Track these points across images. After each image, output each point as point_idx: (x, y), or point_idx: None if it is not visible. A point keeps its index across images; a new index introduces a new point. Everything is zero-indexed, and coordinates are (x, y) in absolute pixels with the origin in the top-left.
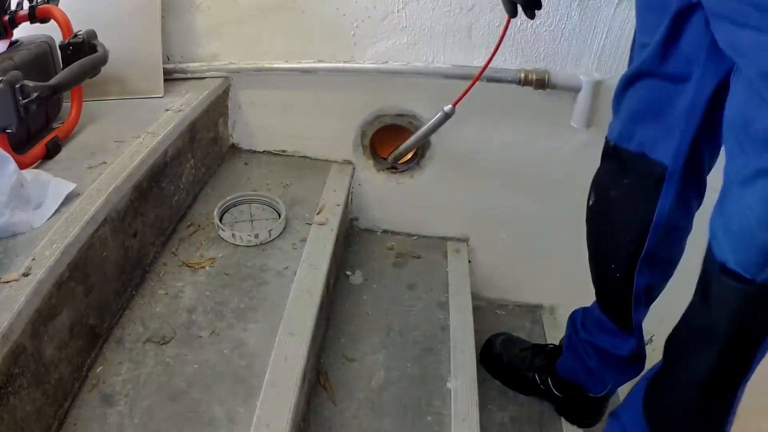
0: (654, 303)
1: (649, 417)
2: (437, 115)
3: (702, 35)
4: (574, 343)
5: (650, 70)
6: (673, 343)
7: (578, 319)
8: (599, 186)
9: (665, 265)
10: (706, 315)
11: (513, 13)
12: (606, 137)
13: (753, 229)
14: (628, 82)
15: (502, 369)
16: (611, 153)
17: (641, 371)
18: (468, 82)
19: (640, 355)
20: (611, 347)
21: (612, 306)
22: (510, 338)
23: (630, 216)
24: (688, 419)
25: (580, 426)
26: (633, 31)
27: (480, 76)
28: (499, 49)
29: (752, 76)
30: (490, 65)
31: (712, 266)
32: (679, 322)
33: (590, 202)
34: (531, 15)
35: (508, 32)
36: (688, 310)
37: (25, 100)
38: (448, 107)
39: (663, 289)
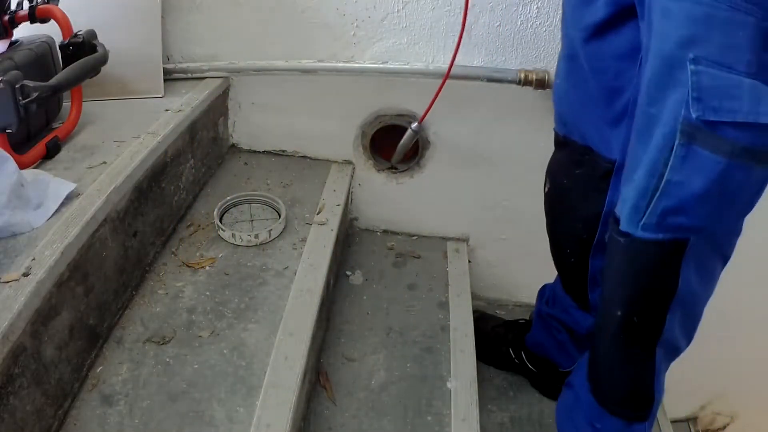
0: None
1: (589, 378)
2: (407, 134)
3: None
4: (543, 318)
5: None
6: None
7: (545, 294)
8: (553, 174)
9: None
10: (607, 272)
11: None
12: (554, 127)
13: (638, 183)
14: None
15: (477, 344)
16: (561, 143)
17: None
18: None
19: None
20: (574, 324)
21: (571, 286)
22: (484, 315)
23: (582, 206)
24: (612, 379)
25: (554, 399)
26: None
27: (444, 82)
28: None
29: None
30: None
31: (611, 221)
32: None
33: (546, 189)
34: None
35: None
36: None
37: (25, 100)
38: (415, 125)
39: None
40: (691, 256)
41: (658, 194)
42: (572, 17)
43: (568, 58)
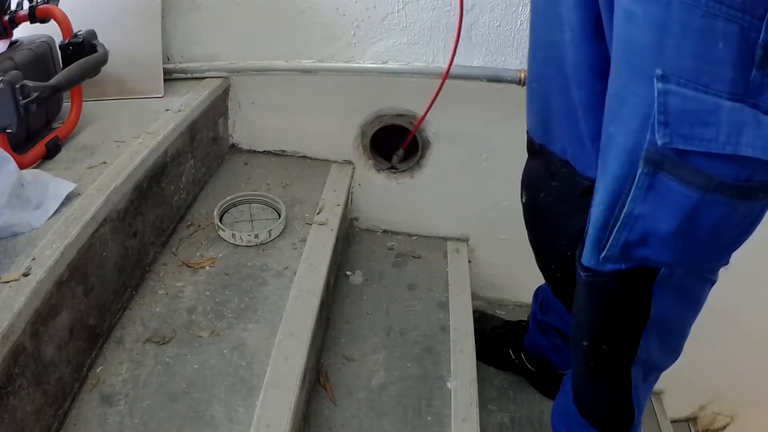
0: None
1: (572, 387)
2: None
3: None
4: (539, 321)
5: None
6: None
7: (539, 298)
8: (529, 186)
9: None
10: (574, 302)
11: None
12: (528, 133)
13: (596, 215)
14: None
15: (477, 344)
16: (537, 151)
17: None
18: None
19: None
20: (568, 328)
21: (561, 294)
22: (484, 315)
23: (562, 222)
24: (590, 398)
25: (554, 399)
26: None
27: (443, 84)
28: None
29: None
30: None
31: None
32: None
33: (523, 199)
34: None
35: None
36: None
37: (25, 100)
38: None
39: None
40: (667, 283)
41: (617, 227)
42: (548, 20)
43: (547, 61)
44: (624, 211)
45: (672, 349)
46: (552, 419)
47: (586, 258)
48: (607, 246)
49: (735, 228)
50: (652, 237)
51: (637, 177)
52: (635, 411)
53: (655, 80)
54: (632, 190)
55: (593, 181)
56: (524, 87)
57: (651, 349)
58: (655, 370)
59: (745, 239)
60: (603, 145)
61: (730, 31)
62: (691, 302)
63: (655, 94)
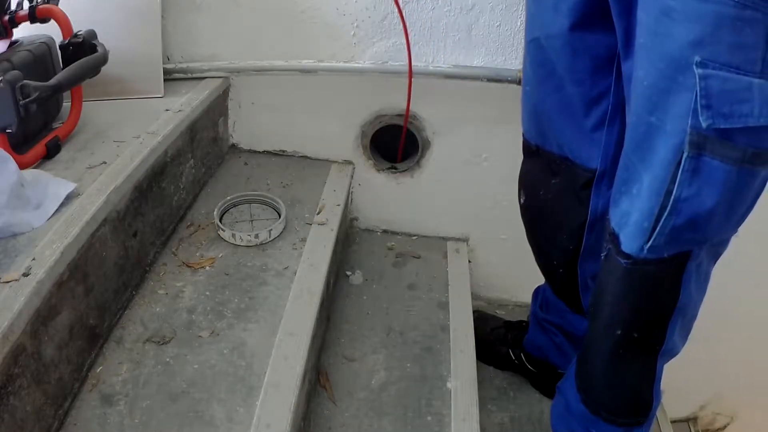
0: None
1: (579, 388)
2: None
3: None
4: (539, 321)
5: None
6: (587, 315)
7: (539, 297)
8: (527, 186)
9: None
10: (605, 292)
11: None
12: (523, 135)
13: (641, 203)
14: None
15: (477, 344)
16: (533, 152)
17: None
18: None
19: None
20: (569, 327)
21: (562, 293)
22: (483, 315)
23: (563, 217)
24: (610, 391)
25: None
26: None
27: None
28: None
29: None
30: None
31: (608, 238)
32: (591, 295)
33: (521, 201)
34: None
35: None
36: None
37: (25, 100)
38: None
39: None
40: (693, 266)
41: (666, 213)
42: (540, 23)
43: (539, 64)
44: (672, 196)
45: (686, 333)
46: (552, 424)
47: (629, 245)
48: (655, 233)
49: (755, 195)
50: (697, 218)
51: (682, 161)
52: (654, 401)
53: (695, 67)
54: (679, 174)
55: (594, 172)
56: None
57: (674, 336)
58: (670, 355)
59: (756, 202)
60: (642, 134)
61: (756, 18)
62: (704, 283)
63: (696, 79)
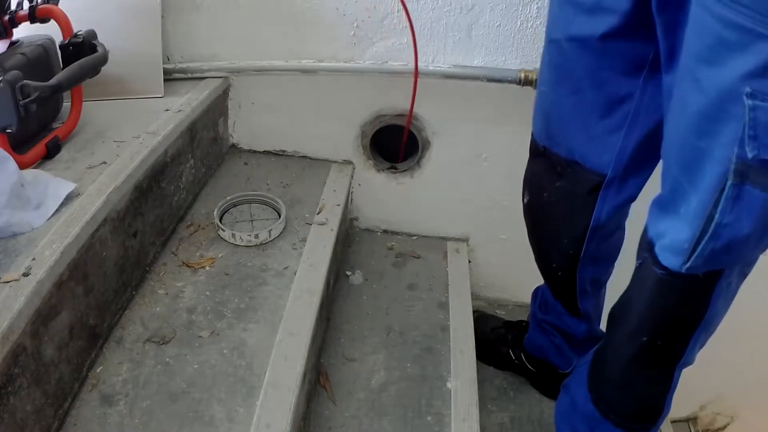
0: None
1: (591, 388)
2: None
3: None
4: (538, 322)
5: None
6: (609, 319)
7: (538, 297)
8: (532, 186)
9: (607, 259)
10: (634, 299)
11: None
12: (532, 135)
13: (686, 224)
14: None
15: (477, 344)
16: (540, 153)
17: None
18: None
19: (595, 336)
20: (567, 328)
21: (560, 295)
22: (484, 315)
23: (566, 220)
24: (624, 397)
25: (555, 399)
26: None
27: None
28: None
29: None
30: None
31: (644, 246)
32: (617, 300)
33: (525, 200)
34: None
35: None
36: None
37: (25, 100)
38: None
39: (609, 275)
40: (724, 283)
41: (707, 237)
42: (565, 25)
43: (557, 67)
44: (714, 221)
45: (703, 344)
46: (556, 422)
47: (667, 260)
48: (694, 255)
49: None
50: (734, 243)
51: (726, 188)
52: (665, 409)
53: (745, 98)
54: (721, 201)
55: (603, 176)
56: (524, 87)
57: (695, 349)
58: (686, 366)
59: None
60: (691, 158)
61: None
62: (731, 299)
63: (746, 110)
